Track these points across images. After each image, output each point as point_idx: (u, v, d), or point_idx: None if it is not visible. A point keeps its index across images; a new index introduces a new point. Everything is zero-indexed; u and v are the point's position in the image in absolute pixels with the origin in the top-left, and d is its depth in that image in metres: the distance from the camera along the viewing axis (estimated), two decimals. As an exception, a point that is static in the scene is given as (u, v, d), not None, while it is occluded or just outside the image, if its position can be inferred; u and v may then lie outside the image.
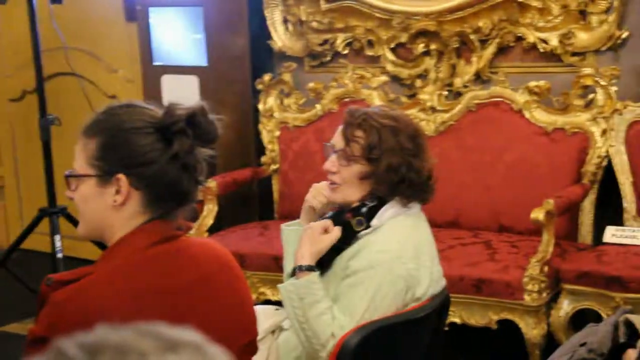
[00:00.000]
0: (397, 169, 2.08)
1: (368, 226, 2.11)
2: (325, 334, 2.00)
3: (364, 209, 2.13)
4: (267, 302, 3.43)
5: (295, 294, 2.03)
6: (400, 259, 2.06)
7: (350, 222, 2.12)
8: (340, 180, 2.15)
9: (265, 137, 4.18)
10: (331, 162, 2.16)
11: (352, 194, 2.14)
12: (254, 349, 1.73)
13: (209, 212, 3.86)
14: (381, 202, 2.12)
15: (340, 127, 2.18)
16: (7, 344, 3.86)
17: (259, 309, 1.86)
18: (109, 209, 1.59)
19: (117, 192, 1.58)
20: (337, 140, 2.16)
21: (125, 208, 1.59)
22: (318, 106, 4.08)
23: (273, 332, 2.21)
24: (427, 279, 2.10)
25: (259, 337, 1.77)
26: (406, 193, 2.11)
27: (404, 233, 2.11)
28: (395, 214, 2.12)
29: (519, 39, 3.72)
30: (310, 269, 2.06)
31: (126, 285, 1.54)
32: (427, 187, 2.14)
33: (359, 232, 2.12)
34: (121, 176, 1.57)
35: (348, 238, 2.13)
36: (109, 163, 1.58)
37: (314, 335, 2.01)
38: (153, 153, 1.57)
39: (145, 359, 0.64)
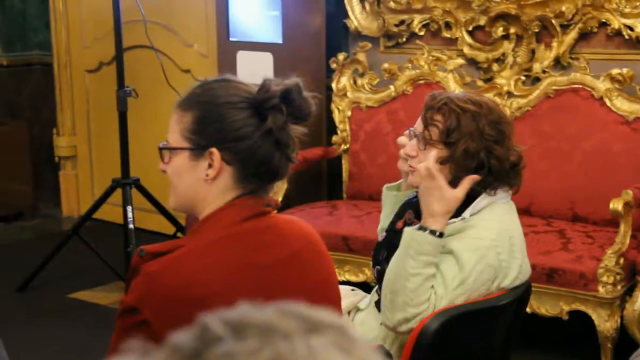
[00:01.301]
0: (475, 154, 2.04)
1: (457, 215, 2.07)
2: (424, 295, 1.97)
3: None
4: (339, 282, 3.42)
5: (418, 246, 1.98)
6: (495, 249, 2.02)
7: None
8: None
9: (337, 116, 4.18)
10: (411, 146, 2.13)
11: None
12: None
13: (279, 190, 3.87)
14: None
15: (422, 112, 2.15)
16: (77, 311, 3.94)
17: (339, 288, 1.85)
18: (201, 182, 1.60)
19: (210, 166, 1.59)
20: (418, 124, 2.15)
21: (217, 182, 1.60)
22: (392, 87, 4.05)
23: (349, 312, 2.21)
24: (516, 271, 2.07)
25: (339, 317, 1.76)
26: (486, 180, 2.07)
27: (502, 222, 2.07)
28: (490, 202, 2.08)
29: (603, 24, 3.64)
30: (439, 236, 2.01)
31: (218, 259, 1.56)
32: (511, 174, 2.09)
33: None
34: (214, 150, 1.58)
35: None
36: (202, 137, 1.59)
37: (413, 291, 1.96)
38: (246, 128, 1.57)
39: (290, 339, 0.63)
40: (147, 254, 1.56)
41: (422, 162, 2.09)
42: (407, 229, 2.04)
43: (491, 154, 2.05)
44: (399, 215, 2.22)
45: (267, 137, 1.58)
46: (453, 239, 2.04)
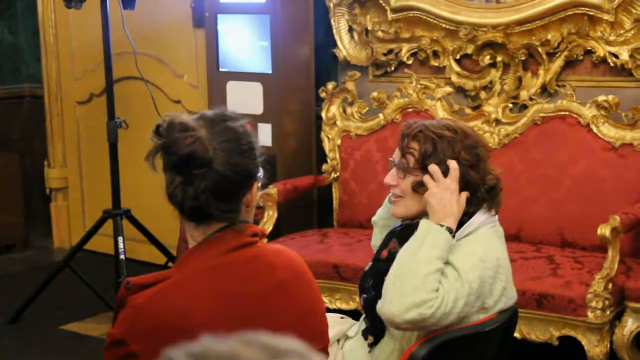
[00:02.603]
0: None
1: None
2: (434, 284, 1.96)
3: None
4: (327, 310, 3.43)
5: (434, 238, 1.99)
6: (483, 263, 2.04)
7: None
8: (401, 193, 2.15)
9: (327, 145, 4.19)
10: (390, 176, 2.15)
11: (412, 206, 2.13)
12: (325, 357, 1.74)
13: (269, 219, 3.89)
14: None
15: (399, 141, 2.18)
16: (69, 342, 3.92)
17: (328, 317, 1.86)
18: None
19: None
20: (396, 154, 2.17)
21: None
22: (381, 115, 4.08)
23: (338, 340, 2.21)
24: (499, 293, 2.08)
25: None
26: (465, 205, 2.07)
27: (488, 243, 2.09)
28: (478, 226, 2.10)
29: (588, 52, 3.68)
30: (451, 233, 2.03)
31: (203, 290, 1.57)
32: (487, 198, 2.11)
33: None
34: None
35: None
36: None
37: (425, 276, 1.95)
38: None
39: None
40: (133, 286, 1.58)
41: (402, 190, 2.12)
42: (423, 220, 2.03)
43: (465, 178, 2.06)
44: (384, 244, 2.23)
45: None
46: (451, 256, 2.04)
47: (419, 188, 2.09)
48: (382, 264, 2.16)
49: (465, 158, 2.06)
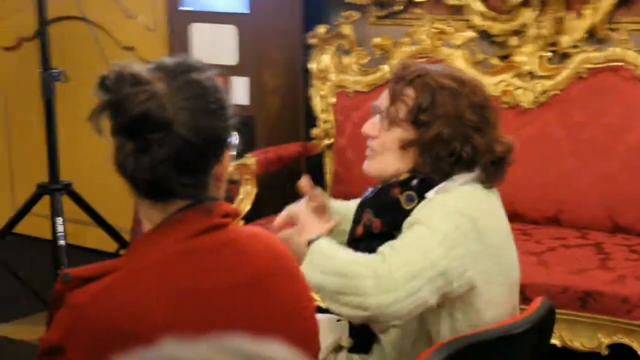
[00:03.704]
0: (449, 141, 2.07)
1: (420, 201, 2.09)
2: (368, 257, 1.99)
3: (415, 182, 2.11)
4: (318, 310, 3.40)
5: (310, 261, 2.05)
6: (460, 214, 2.03)
7: (399, 198, 2.11)
8: (380, 148, 2.15)
9: (317, 104, 4.19)
10: (372, 125, 2.17)
11: (391, 164, 2.14)
12: None
13: (246, 196, 3.89)
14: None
15: (390, 83, 2.19)
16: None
17: (320, 320, 1.84)
18: None
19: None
20: (383, 98, 2.17)
21: None
22: (385, 67, 4.07)
23: (336, 349, 2.22)
24: (489, 261, 2.06)
25: (321, 356, 1.77)
26: (452, 168, 2.09)
27: (474, 198, 2.08)
28: (465, 183, 2.11)
29: (648, -13, 3.68)
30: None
31: (160, 286, 1.57)
32: (490, 170, 2.11)
33: (410, 210, 2.09)
34: None
35: (397, 218, 2.10)
36: None
37: (356, 271, 1.96)
38: None
39: None
40: (73, 280, 1.56)
41: (383, 143, 2.13)
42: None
43: (467, 141, 2.07)
44: (356, 220, 2.22)
45: None
46: (416, 211, 2.06)
47: (408, 146, 2.10)
48: (359, 244, 2.14)
49: (470, 118, 2.07)
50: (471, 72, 3.74)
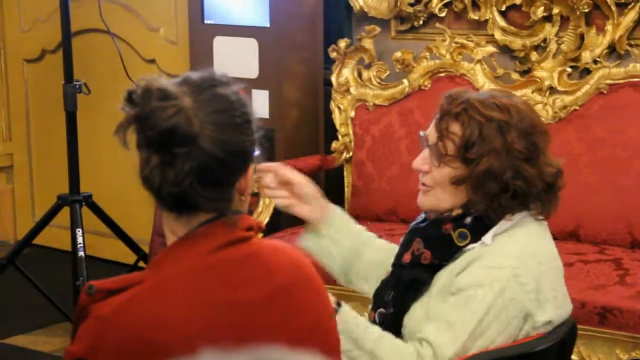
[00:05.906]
0: (500, 175, 2.07)
1: (475, 240, 2.11)
2: (406, 352, 2.01)
3: (468, 220, 2.12)
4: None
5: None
6: (517, 278, 2.04)
7: (451, 235, 2.13)
8: (432, 183, 2.16)
9: (337, 118, 4.19)
10: (422, 159, 2.17)
11: (445, 200, 2.15)
12: None
13: (265, 208, 3.88)
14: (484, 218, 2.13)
15: (436, 117, 2.18)
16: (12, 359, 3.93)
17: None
18: None
19: None
20: (431, 131, 2.17)
21: None
22: (405, 81, 4.07)
23: None
24: (551, 304, 2.08)
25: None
26: (509, 205, 2.09)
27: (526, 245, 2.10)
28: (512, 225, 2.11)
29: (670, 2, 3.67)
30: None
31: (185, 298, 1.57)
32: (544, 198, 2.12)
33: (463, 246, 2.11)
34: None
35: (447, 253, 2.13)
36: None
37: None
38: None
39: None
40: (98, 292, 1.57)
41: (435, 179, 2.14)
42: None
43: (519, 174, 2.07)
44: (405, 245, 2.22)
45: None
46: (462, 276, 2.06)
47: (460, 183, 2.10)
48: (404, 271, 2.16)
49: (519, 149, 2.07)
50: (491, 87, 3.78)
